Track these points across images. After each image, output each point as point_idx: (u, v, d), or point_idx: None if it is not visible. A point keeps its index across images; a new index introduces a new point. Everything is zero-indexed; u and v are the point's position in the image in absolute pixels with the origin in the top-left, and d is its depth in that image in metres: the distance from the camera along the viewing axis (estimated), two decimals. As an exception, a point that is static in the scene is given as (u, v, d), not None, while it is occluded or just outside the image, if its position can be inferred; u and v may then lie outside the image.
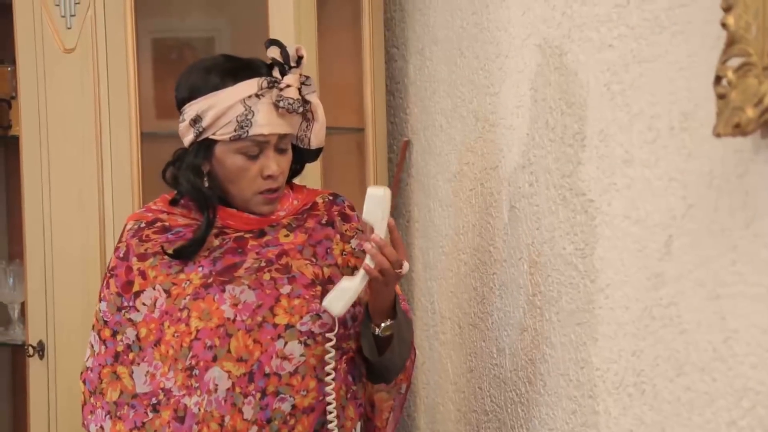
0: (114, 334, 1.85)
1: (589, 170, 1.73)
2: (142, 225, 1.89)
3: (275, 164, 1.82)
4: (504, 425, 2.07)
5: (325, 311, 1.81)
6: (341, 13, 2.71)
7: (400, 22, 2.74)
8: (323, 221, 1.92)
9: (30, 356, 2.69)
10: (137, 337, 1.83)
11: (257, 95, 1.79)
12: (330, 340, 1.81)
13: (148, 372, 1.82)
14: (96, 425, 1.85)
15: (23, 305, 2.84)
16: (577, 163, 1.77)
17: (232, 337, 1.79)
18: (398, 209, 2.75)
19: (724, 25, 1.25)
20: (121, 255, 1.88)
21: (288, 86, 1.80)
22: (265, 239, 1.87)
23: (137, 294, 1.84)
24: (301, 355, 1.80)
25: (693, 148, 1.43)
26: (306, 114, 1.85)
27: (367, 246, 1.76)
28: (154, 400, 1.81)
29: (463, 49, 2.31)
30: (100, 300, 1.89)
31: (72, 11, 2.62)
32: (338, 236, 1.91)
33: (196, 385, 1.78)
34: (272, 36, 2.54)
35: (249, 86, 1.79)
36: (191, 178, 1.83)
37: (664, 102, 1.49)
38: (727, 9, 1.25)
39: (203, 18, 2.94)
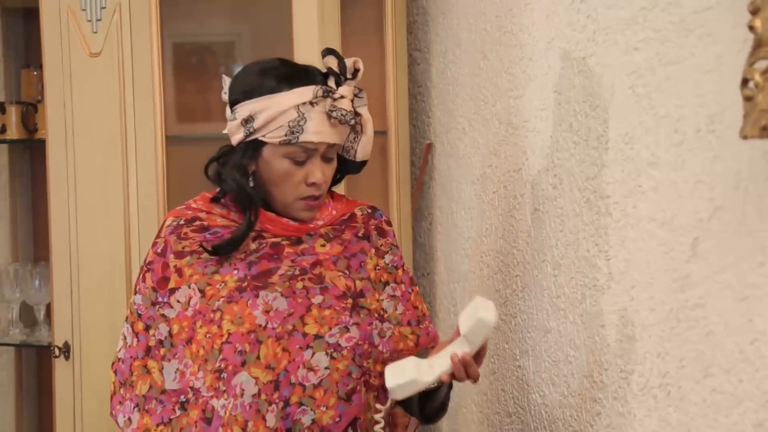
0: (147, 328, 1.87)
1: (613, 173, 1.73)
2: (182, 222, 1.90)
3: (320, 172, 1.84)
4: (527, 427, 2.08)
5: (354, 324, 1.83)
6: (364, 17, 2.73)
7: (422, 26, 2.75)
8: (360, 234, 1.93)
9: (56, 357, 2.72)
10: (170, 333, 1.85)
11: (311, 103, 1.80)
12: (379, 411, 1.83)
13: (178, 369, 1.84)
14: (124, 416, 1.87)
15: (49, 307, 2.86)
16: (602, 166, 1.78)
17: (262, 344, 1.81)
18: (421, 212, 2.76)
19: (751, 28, 1.26)
20: (159, 250, 1.89)
21: (342, 97, 1.82)
22: (301, 247, 1.88)
23: (172, 291, 1.86)
24: (326, 368, 1.81)
25: (720, 150, 1.44)
26: (356, 126, 1.87)
27: (454, 358, 1.76)
28: (182, 398, 1.83)
29: (487, 52, 2.32)
30: (135, 292, 1.90)
31: (98, 16, 2.65)
32: (373, 251, 1.92)
33: (224, 388, 1.80)
34: (296, 41, 2.56)
35: (304, 93, 1.81)
36: (237, 177, 1.84)
37: (691, 104, 1.50)
38: (754, 12, 1.26)
39: (224, 22, 2.96)
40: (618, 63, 1.70)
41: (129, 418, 1.86)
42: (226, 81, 2.67)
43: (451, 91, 2.56)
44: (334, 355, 1.81)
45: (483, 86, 2.34)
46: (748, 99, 1.26)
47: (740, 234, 1.38)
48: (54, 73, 2.71)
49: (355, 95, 1.85)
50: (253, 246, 1.87)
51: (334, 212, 1.93)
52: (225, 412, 1.79)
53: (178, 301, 1.85)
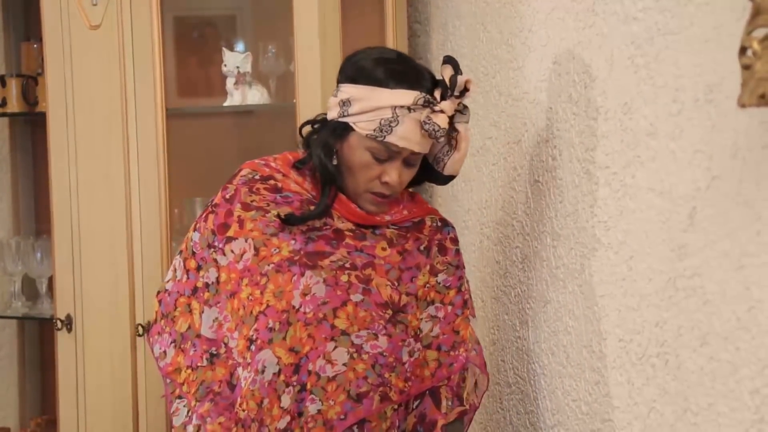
0: (198, 268, 1.88)
1: (612, 143, 1.74)
2: (257, 177, 1.90)
3: (396, 174, 1.83)
4: (527, 397, 2.09)
5: (385, 334, 1.82)
6: (364, -11, 2.72)
7: (422, -2, 2.74)
8: (422, 247, 1.91)
9: (58, 330, 2.73)
10: (217, 280, 1.87)
11: (409, 108, 1.79)
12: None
13: (216, 319, 1.86)
14: (161, 348, 1.90)
15: (51, 280, 2.88)
16: (601, 137, 1.78)
17: (291, 326, 1.81)
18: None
19: (749, -4, 1.26)
20: (227, 197, 1.89)
21: (441, 111, 1.81)
22: (362, 243, 1.88)
23: (229, 239, 1.86)
24: (344, 364, 1.81)
25: (718, 119, 1.44)
26: (451, 140, 1.86)
27: None
28: (213, 350, 1.85)
29: (486, 24, 2.31)
30: (195, 229, 1.90)
31: (97, -12, 2.64)
32: (428, 267, 1.90)
33: (249, 360, 1.81)
34: (296, 12, 2.55)
35: (406, 96, 1.79)
36: (321, 155, 1.85)
37: (689, 74, 1.50)
38: (752, -20, 1.25)
39: (225, -4, 2.96)
40: (617, 33, 1.70)
41: (164, 351, 1.89)
42: (227, 54, 2.69)
43: (451, 63, 2.55)
44: (355, 355, 1.81)
45: (482, 58, 2.34)
46: (746, 67, 1.26)
47: (737, 203, 1.39)
48: (54, 46, 2.71)
49: (459, 111, 1.83)
50: (318, 224, 1.87)
51: (405, 212, 1.92)
52: (245, 385, 1.81)
53: (232, 251, 1.86)
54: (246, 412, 1.80)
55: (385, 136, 1.80)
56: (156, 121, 2.62)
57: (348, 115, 1.82)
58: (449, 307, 1.89)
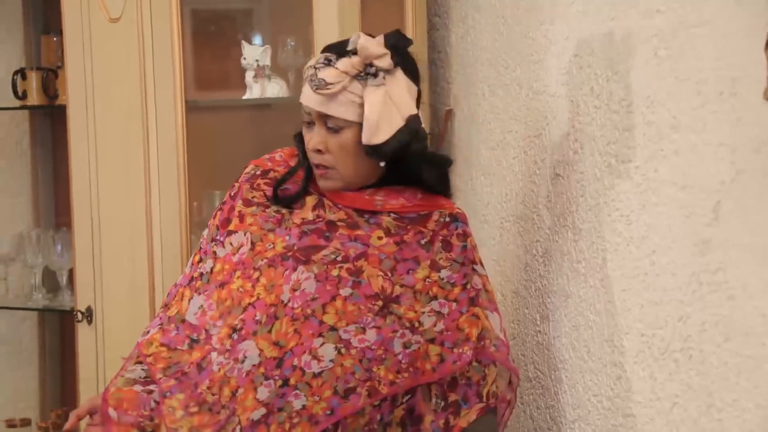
0: (200, 261, 1.92)
1: (635, 137, 1.73)
2: (257, 173, 1.94)
3: (317, 137, 1.84)
4: (547, 391, 2.09)
5: (373, 327, 1.80)
6: (384, -17, 2.71)
7: (442, -9, 2.73)
8: (423, 241, 1.88)
9: (78, 321, 2.74)
10: (211, 269, 1.89)
11: (313, 67, 1.84)
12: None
13: (201, 306, 1.87)
14: (146, 329, 1.92)
15: (71, 272, 2.89)
16: (623, 130, 1.77)
17: (278, 320, 1.81)
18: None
19: (776, -11, 1.25)
20: (232, 194, 1.95)
21: (335, 68, 1.81)
22: (356, 232, 1.87)
23: (230, 233, 1.90)
24: (331, 360, 1.80)
25: (742, 113, 1.43)
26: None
27: None
28: (194, 336, 1.85)
29: (507, 17, 2.30)
30: (207, 227, 1.96)
31: (117, -19, 2.65)
32: (428, 262, 1.87)
33: (229, 347, 1.81)
34: (315, 6, 2.54)
35: (314, 59, 1.87)
36: (296, 141, 1.91)
37: (713, 67, 1.49)
38: (779, -28, 1.24)
39: (242, -11, 2.96)
40: (640, 26, 1.69)
41: (149, 331, 1.91)
42: (246, 47, 2.69)
43: (470, 57, 2.55)
44: (342, 351, 1.80)
45: (503, 51, 2.33)
46: (772, 61, 1.26)
47: (762, 197, 1.38)
48: (74, 39, 2.71)
49: (371, 74, 1.81)
50: (311, 217, 1.88)
51: (404, 202, 1.90)
52: (219, 369, 1.81)
53: (231, 244, 1.89)
54: (216, 396, 1.79)
55: (300, 98, 1.87)
56: (175, 114, 2.62)
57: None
58: (453, 304, 1.86)
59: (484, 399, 1.87)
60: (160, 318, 1.91)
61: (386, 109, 1.81)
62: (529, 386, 2.19)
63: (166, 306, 1.93)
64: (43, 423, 3.12)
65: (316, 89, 1.81)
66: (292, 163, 1.94)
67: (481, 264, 1.94)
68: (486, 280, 1.93)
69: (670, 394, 1.62)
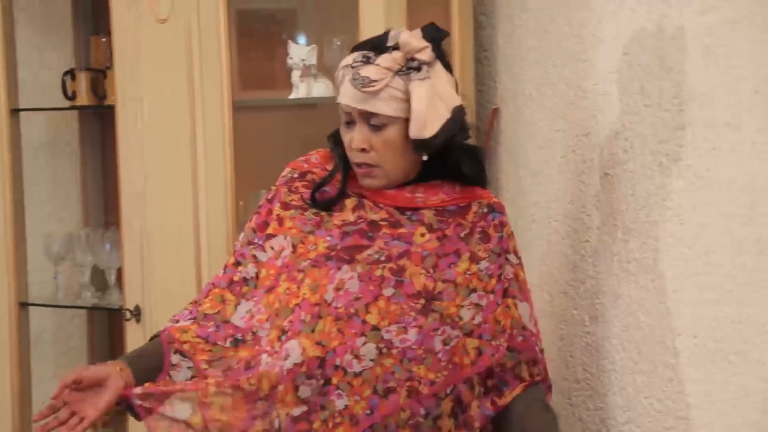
0: (236, 264, 1.91)
1: (687, 135, 1.71)
2: (295, 175, 1.95)
3: (360, 136, 1.83)
4: (596, 393, 2.07)
5: (415, 326, 1.80)
6: (430, -19, 2.71)
7: (489, -10, 2.72)
8: (462, 234, 1.88)
9: (127, 320, 2.77)
10: (256, 275, 1.89)
11: (351, 66, 1.83)
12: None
13: (249, 311, 1.87)
14: (175, 317, 1.89)
15: (119, 271, 2.91)
16: (675, 128, 1.75)
17: (321, 319, 1.81)
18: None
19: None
20: (269, 197, 1.95)
21: (377, 65, 1.81)
22: (399, 231, 1.87)
23: (269, 236, 1.90)
24: (371, 360, 1.79)
25: (800, 111, 1.41)
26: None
27: None
28: (239, 336, 1.85)
29: (554, 16, 2.29)
30: (243, 231, 1.96)
31: (165, -18, 2.66)
32: (468, 254, 1.87)
33: (277, 349, 1.81)
34: (361, 5, 2.54)
35: (349, 58, 1.85)
36: (331, 142, 1.91)
37: (770, 65, 1.47)
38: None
39: (287, -11, 2.97)
40: (693, 23, 1.67)
41: (178, 320, 1.88)
42: (292, 47, 2.69)
43: (517, 56, 2.53)
44: (384, 350, 1.80)
45: (551, 50, 2.32)
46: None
47: (821, 197, 1.36)
48: (122, 40, 2.73)
49: (415, 68, 1.81)
50: (352, 218, 1.88)
51: (443, 196, 1.90)
52: (263, 367, 1.80)
53: (271, 248, 1.89)
54: (254, 387, 1.78)
55: (338, 98, 1.85)
56: (222, 114, 2.63)
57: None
58: (491, 296, 1.86)
59: (526, 378, 1.85)
60: (192, 312, 1.89)
61: (432, 102, 1.81)
62: (578, 387, 2.17)
63: (197, 302, 1.91)
64: (92, 420, 3.15)
65: (361, 87, 1.80)
66: (329, 165, 1.93)
67: (516, 253, 1.92)
68: (519, 269, 1.91)
69: (726, 397, 1.60)
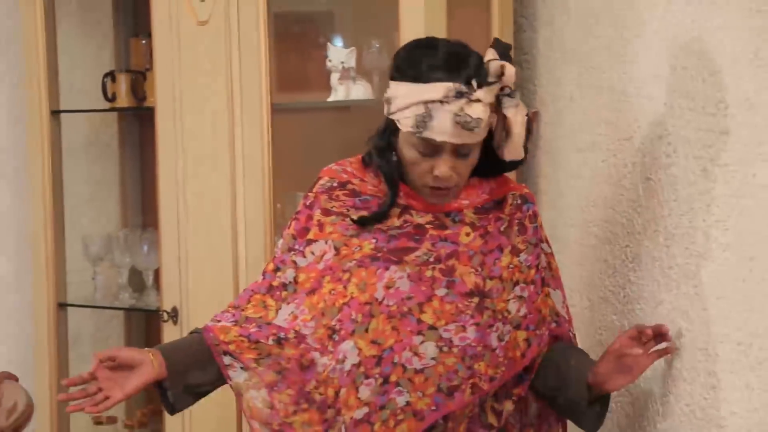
0: (276, 269, 1.92)
1: (732, 140, 1.68)
2: (335, 184, 1.93)
3: (447, 168, 1.81)
4: (636, 400, 2.05)
5: (473, 324, 1.82)
6: (470, -16, 2.69)
7: (529, -8, 2.71)
8: (503, 228, 1.90)
9: (164, 321, 2.78)
10: (295, 279, 1.89)
11: (441, 101, 1.76)
12: None
13: (292, 312, 1.87)
14: (216, 317, 1.89)
15: (157, 272, 2.93)
16: (720, 133, 1.73)
17: (374, 318, 1.82)
18: (525, 181, 2.73)
19: None
20: (308, 203, 1.94)
21: (478, 101, 1.76)
22: (445, 232, 1.88)
23: (309, 242, 1.90)
24: (432, 358, 1.81)
25: None
26: (505, 127, 1.82)
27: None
28: (282, 335, 1.85)
29: (597, 18, 2.27)
30: (281, 237, 1.97)
31: (206, -16, 2.67)
32: (510, 247, 1.89)
33: (331, 349, 1.82)
34: (401, 10, 2.53)
35: (436, 90, 1.76)
36: (374, 154, 1.88)
37: (819, 68, 1.45)
38: None
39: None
40: (740, 27, 1.65)
41: (219, 320, 1.88)
42: (331, 49, 2.69)
43: (558, 59, 2.51)
44: (444, 349, 1.81)
45: (592, 53, 2.29)
46: None
47: None
48: (163, 42, 2.75)
49: (507, 95, 1.78)
50: (397, 223, 1.88)
51: (484, 195, 1.91)
52: (323, 371, 1.82)
53: (312, 253, 1.89)
54: (323, 396, 1.82)
55: (422, 132, 1.77)
56: (261, 116, 2.64)
57: (391, 113, 1.82)
58: (531, 287, 1.90)
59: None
60: (234, 315, 1.89)
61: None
62: (617, 394, 2.14)
63: (238, 307, 1.91)
64: (129, 421, 3.16)
65: (473, 129, 1.75)
66: (367, 177, 1.91)
67: (547, 242, 1.98)
68: (551, 258, 1.97)
69: (770, 405, 1.57)
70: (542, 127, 2.63)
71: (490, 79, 1.77)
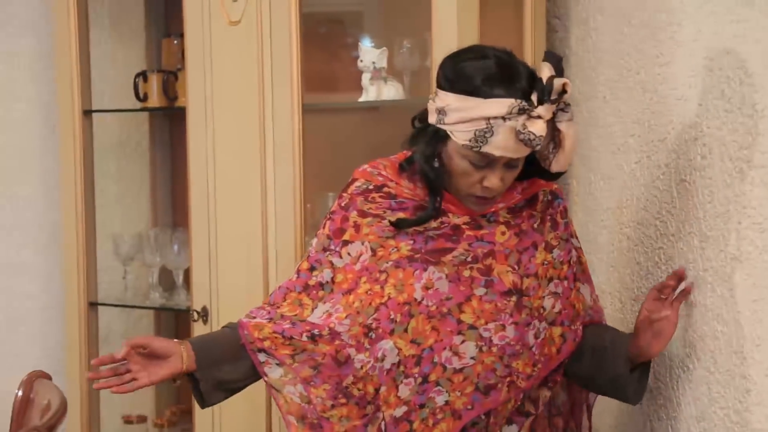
0: (311, 268, 1.92)
1: (769, 141, 1.66)
2: (371, 187, 1.93)
3: (498, 179, 1.81)
4: (669, 402, 2.03)
5: (512, 323, 1.83)
6: (503, -16, 2.68)
7: (562, -8, 2.69)
8: (536, 225, 1.92)
9: (194, 321, 2.79)
10: (332, 279, 1.90)
11: (503, 118, 1.75)
12: None
13: (327, 311, 1.88)
14: (252, 314, 1.90)
15: (187, 271, 2.93)
16: (756, 135, 1.71)
17: (413, 318, 1.83)
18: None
19: None
20: (343, 204, 1.94)
21: (538, 117, 1.75)
22: (481, 232, 1.88)
23: (345, 243, 1.91)
24: (472, 358, 1.83)
25: None
26: (555, 137, 1.80)
27: None
28: (315, 331, 1.85)
29: (631, 18, 2.25)
30: (315, 237, 1.97)
31: (238, -16, 2.68)
32: (543, 244, 1.91)
33: (368, 346, 1.83)
34: (434, 10, 2.52)
35: (499, 105, 1.75)
36: (421, 162, 1.85)
37: None
38: None
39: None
40: (778, 26, 1.63)
41: (254, 317, 1.89)
42: (363, 49, 2.69)
43: (591, 59, 2.50)
44: (483, 348, 1.83)
45: (626, 53, 2.28)
46: None
47: None
48: (194, 42, 2.76)
49: (561, 109, 1.77)
50: (435, 224, 1.88)
51: (518, 195, 1.92)
52: (361, 367, 1.83)
53: (348, 254, 1.90)
54: (362, 392, 1.83)
55: (480, 146, 1.77)
56: (292, 117, 2.64)
57: (444, 124, 1.80)
58: (565, 282, 1.92)
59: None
60: (269, 312, 1.89)
61: None
62: (649, 396, 2.13)
63: (271, 304, 1.92)
64: (159, 420, 3.18)
65: (535, 147, 1.76)
66: (402, 181, 1.91)
67: (576, 237, 1.99)
68: (580, 252, 1.99)
69: (808, 409, 1.55)
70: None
71: (553, 97, 1.76)
